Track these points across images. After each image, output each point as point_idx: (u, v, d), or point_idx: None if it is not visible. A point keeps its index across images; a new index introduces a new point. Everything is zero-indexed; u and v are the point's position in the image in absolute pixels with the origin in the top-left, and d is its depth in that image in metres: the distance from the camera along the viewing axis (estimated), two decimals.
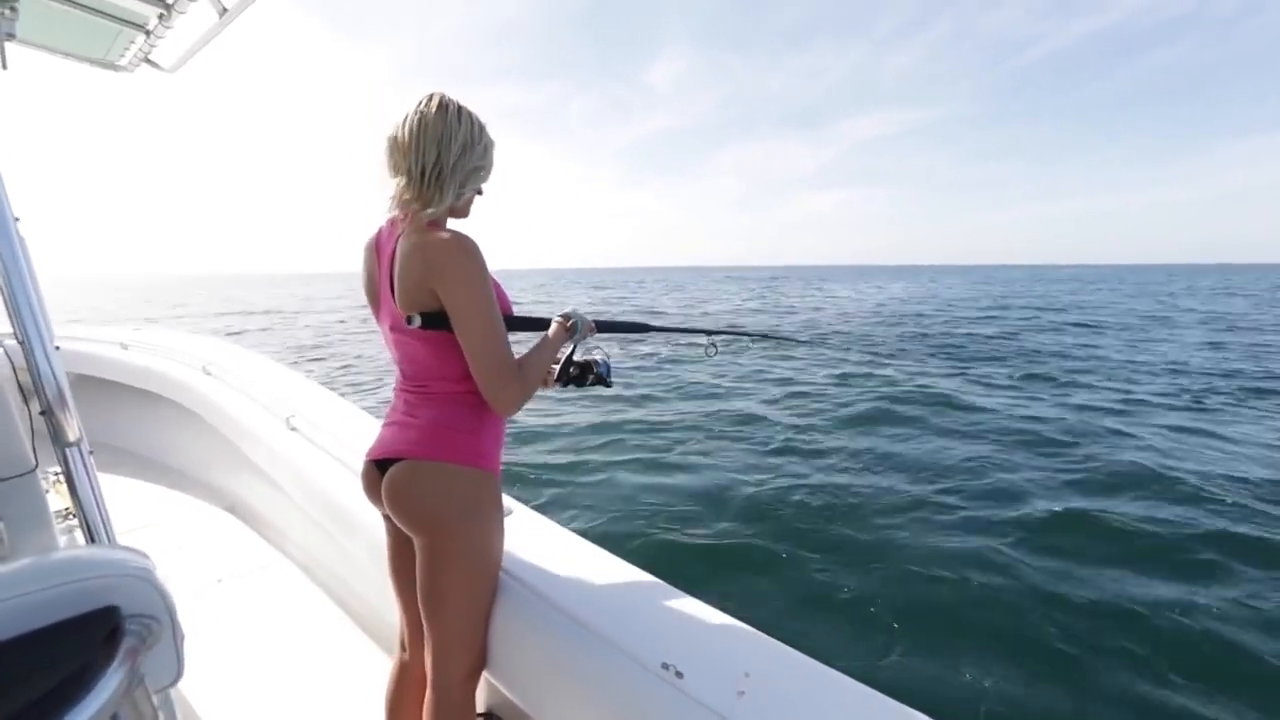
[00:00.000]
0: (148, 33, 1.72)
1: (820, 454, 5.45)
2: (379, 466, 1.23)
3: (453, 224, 1.22)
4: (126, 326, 4.15)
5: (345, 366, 11.00)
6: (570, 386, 1.41)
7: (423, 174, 1.10)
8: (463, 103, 1.14)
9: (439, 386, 1.18)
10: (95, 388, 3.76)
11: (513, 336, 1.30)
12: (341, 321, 21.14)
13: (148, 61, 1.92)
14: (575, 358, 1.39)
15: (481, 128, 1.16)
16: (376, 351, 12.29)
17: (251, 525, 2.76)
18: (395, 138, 1.11)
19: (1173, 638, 2.77)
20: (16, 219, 1.15)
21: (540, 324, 1.34)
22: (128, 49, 1.86)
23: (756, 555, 3.58)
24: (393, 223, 1.19)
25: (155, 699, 0.55)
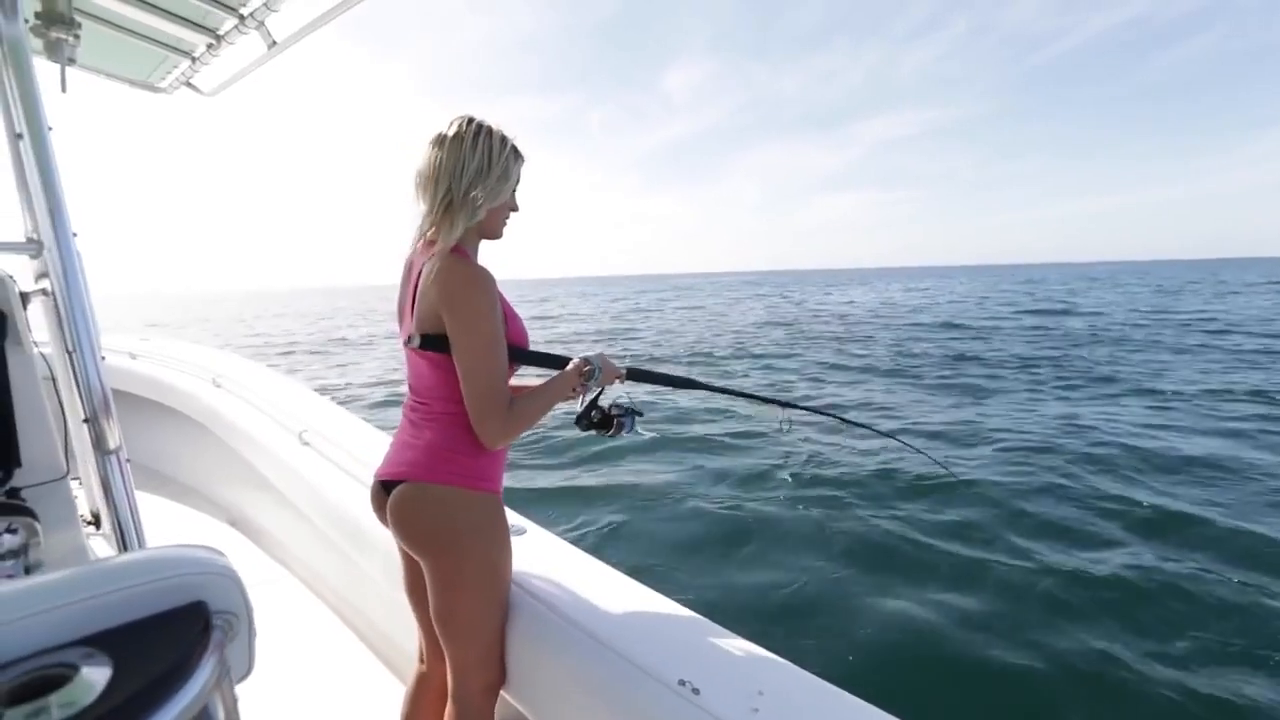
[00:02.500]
0: (193, 59, 1.81)
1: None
2: (385, 487, 1.25)
3: (485, 245, 1.27)
4: (133, 336, 4.17)
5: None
6: (593, 432, 1.36)
7: (432, 207, 1.17)
8: (486, 121, 1.17)
9: (440, 406, 1.21)
10: None
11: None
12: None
13: (188, 85, 2.01)
14: (600, 404, 1.35)
15: (500, 147, 1.17)
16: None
17: (254, 539, 2.76)
18: (419, 169, 1.18)
19: None
20: (75, 234, 1.21)
21: (559, 362, 1.33)
22: (170, 73, 1.94)
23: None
24: (426, 243, 1.24)
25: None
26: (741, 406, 7.42)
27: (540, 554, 1.51)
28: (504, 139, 1.18)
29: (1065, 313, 22.09)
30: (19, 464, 1.26)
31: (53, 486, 1.32)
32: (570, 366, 1.30)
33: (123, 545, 1.24)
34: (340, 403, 2.94)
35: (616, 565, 1.48)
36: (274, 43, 1.58)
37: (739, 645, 1.19)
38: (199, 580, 0.58)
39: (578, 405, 1.35)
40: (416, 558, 1.23)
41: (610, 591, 1.36)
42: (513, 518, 1.68)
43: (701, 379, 1.50)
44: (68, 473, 1.37)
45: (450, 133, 1.16)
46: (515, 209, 1.27)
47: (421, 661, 1.39)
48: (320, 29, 1.47)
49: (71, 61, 1.44)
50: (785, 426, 1.50)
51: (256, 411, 2.73)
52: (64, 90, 1.45)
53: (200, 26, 1.60)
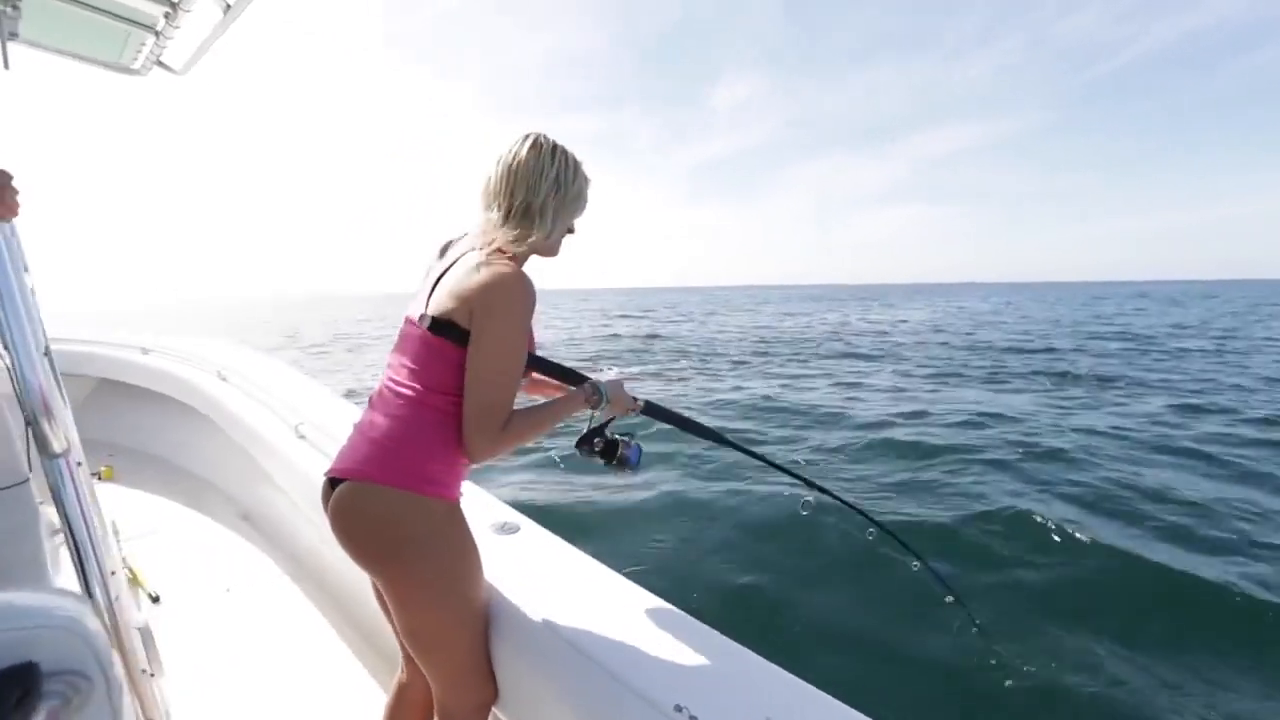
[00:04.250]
0: (157, 33, 1.70)
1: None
2: (334, 485, 1.11)
3: (538, 261, 1.21)
4: (149, 331, 4.19)
5: None
6: (593, 459, 1.27)
7: (509, 211, 1.12)
8: (559, 141, 1.14)
9: (414, 392, 1.10)
10: (117, 392, 3.80)
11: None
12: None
13: (160, 64, 1.90)
14: (606, 432, 1.26)
15: (576, 167, 1.15)
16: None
17: (263, 533, 2.73)
18: (490, 176, 1.13)
19: None
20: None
21: (575, 380, 1.26)
22: (139, 51, 1.84)
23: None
24: (475, 236, 1.17)
25: None
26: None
27: (534, 555, 1.39)
28: (574, 161, 1.16)
29: None
30: None
31: (9, 494, 1.24)
32: (575, 391, 1.21)
33: (76, 556, 1.16)
34: None
35: (614, 566, 1.36)
36: (229, 6, 1.46)
37: (745, 661, 1.05)
38: (25, 636, 0.46)
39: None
40: (364, 570, 1.10)
41: (606, 598, 1.24)
42: (506, 514, 1.57)
43: (728, 435, 1.35)
44: (28, 477, 1.29)
45: (525, 145, 1.12)
46: (572, 230, 1.22)
47: (402, 671, 1.29)
48: None
49: (14, 36, 1.34)
50: (807, 510, 1.34)
51: (258, 404, 2.68)
52: (6, 66, 1.35)
53: None
